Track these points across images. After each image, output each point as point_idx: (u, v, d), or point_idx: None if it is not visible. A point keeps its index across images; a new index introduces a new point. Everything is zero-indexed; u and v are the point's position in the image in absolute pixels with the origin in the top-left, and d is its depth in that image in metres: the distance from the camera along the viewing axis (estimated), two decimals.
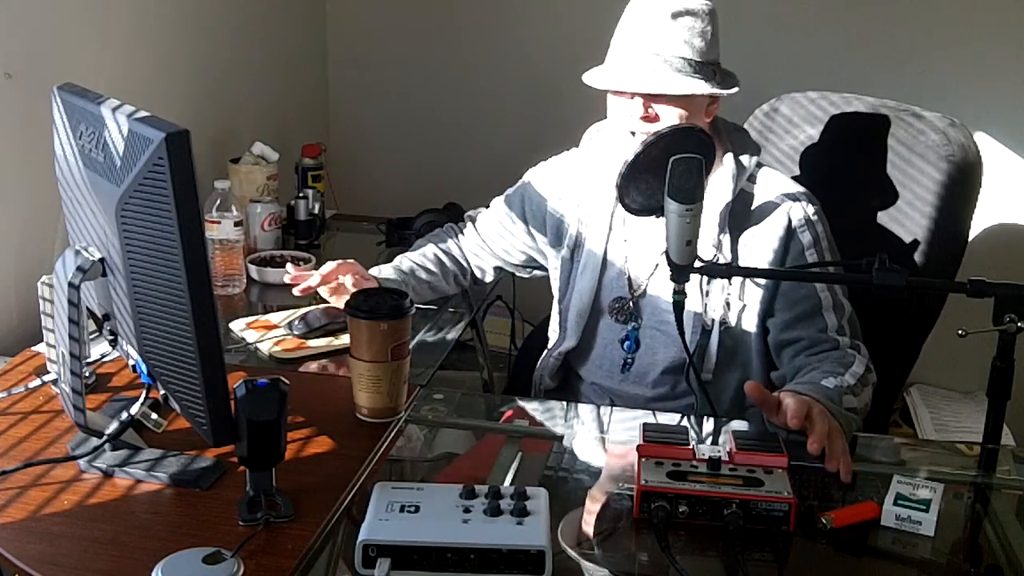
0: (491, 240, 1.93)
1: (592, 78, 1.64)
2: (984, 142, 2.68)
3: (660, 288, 1.70)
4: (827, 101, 2.00)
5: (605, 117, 1.70)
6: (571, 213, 1.78)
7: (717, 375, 1.67)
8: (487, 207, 1.96)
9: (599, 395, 1.81)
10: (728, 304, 1.65)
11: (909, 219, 1.84)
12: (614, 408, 1.68)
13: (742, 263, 1.64)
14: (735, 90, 1.64)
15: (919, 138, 1.86)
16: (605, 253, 1.74)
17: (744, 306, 1.65)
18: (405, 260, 1.90)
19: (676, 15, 1.59)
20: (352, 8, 3.03)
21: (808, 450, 1.31)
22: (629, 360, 1.75)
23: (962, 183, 1.83)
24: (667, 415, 1.60)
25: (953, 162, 1.81)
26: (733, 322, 1.66)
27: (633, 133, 1.61)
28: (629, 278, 1.73)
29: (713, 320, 1.65)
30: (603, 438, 1.56)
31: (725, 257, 1.64)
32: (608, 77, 1.62)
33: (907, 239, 1.83)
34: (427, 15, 2.98)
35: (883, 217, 1.86)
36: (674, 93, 1.58)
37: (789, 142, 2.01)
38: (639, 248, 1.73)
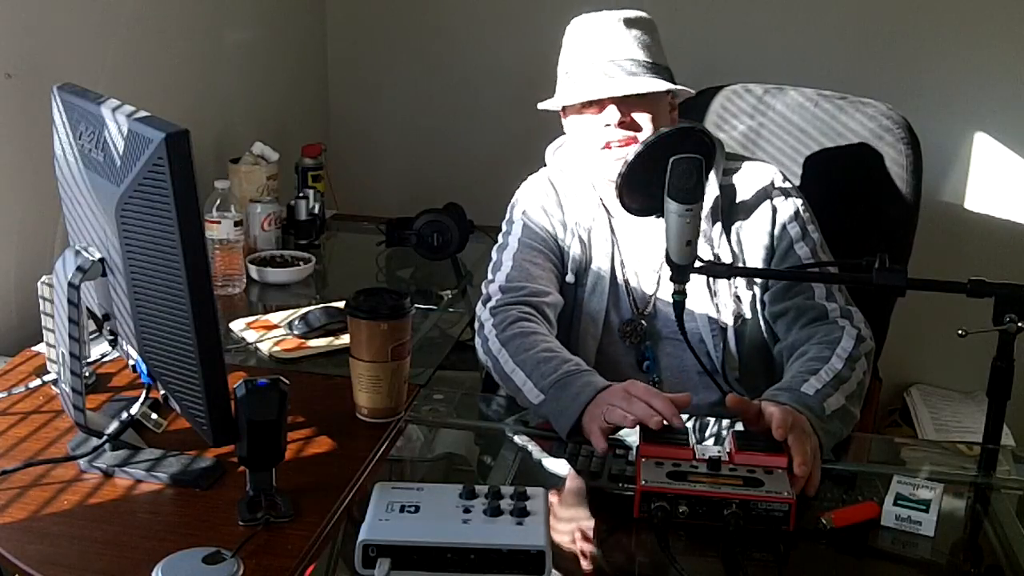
0: (543, 279, 1.69)
1: (560, 97, 1.64)
2: (983, 141, 2.69)
3: (668, 300, 1.66)
4: (768, 93, 2.01)
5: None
6: (568, 234, 1.72)
7: (746, 371, 1.65)
8: (496, 263, 1.72)
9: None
10: (738, 297, 1.64)
11: (852, 204, 1.87)
12: None
13: (737, 252, 1.64)
14: (693, 92, 1.68)
15: (855, 124, 1.91)
16: (612, 274, 1.70)
17: (753, 295, 1.64)
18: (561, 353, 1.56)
19: (627, 23, 1.62)
20: (352, 8, 3.03)
21: (795, 472, 1.28)
22: (656, 380, 1.69)
23: (902, 165, 1.89)
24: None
25: (893, 145, 1.88)
26: (748, 314, 1.65)
27: (609, 146, 1.60)
28: (633, 299, 1.70)
29: (729, 317, 1.64)
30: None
31: (719, 249, 1.63)
32: (577, 91, 1.62)
33: (853, 224, 1.83)
34: (427, 15, 2.98)
35: (826, 205, 1.82)
36: (650, 91, 1.59)
37: (726, 135, 2.01)
38: (636, 266, 1.70)
